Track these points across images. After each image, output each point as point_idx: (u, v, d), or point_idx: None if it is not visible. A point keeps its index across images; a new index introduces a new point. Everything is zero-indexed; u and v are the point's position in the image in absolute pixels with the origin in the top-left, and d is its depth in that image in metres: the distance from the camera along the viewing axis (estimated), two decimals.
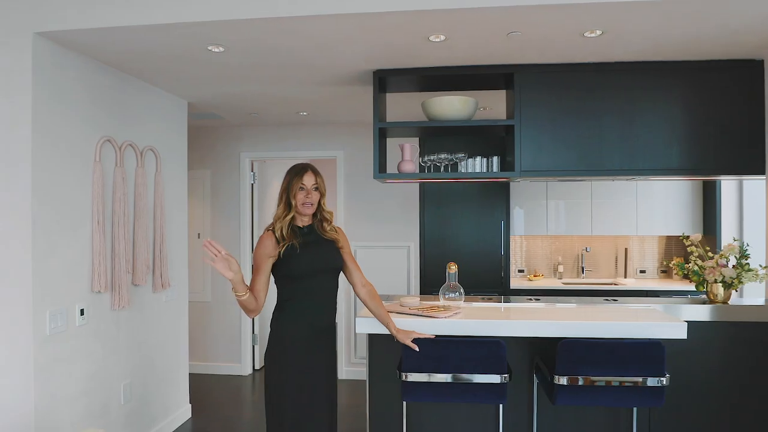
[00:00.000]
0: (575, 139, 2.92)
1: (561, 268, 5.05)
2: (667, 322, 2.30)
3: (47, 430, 2.47)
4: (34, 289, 2.41)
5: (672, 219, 4.73)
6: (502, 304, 2.81)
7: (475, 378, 2.21)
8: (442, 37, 2.50)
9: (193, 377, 4.65)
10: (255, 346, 5.04)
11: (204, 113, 4.31)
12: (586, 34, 2.45)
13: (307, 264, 2.18)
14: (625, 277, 4.96)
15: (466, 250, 4.46)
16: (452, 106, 3.01)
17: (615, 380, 2.17)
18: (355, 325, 2.51)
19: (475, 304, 2.79)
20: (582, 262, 5.04)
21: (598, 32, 2.42)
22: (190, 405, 3.89)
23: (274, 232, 2.20)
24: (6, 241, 2.41)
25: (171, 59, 2.82)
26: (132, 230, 3.13)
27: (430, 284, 4.56)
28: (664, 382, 2.16)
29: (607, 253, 5.08)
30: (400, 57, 2.80)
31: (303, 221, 2.27)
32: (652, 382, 2.15)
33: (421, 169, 3.19)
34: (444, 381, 2.23)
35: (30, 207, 2.40)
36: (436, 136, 4.04)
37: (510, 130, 3.01)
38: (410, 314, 2.45)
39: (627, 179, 3.21)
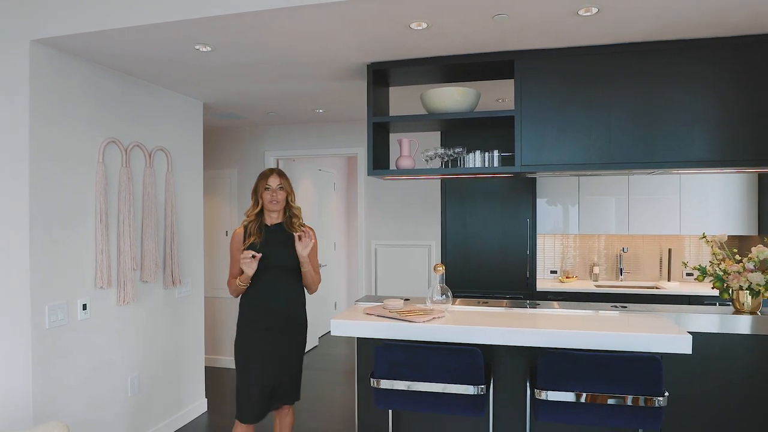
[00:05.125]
0: (583, 130, 2.67)
1: (597, 270, 4.71)
2: (668, 333, 2.04)
3: (47, 420, 2.59)
4: (33, 284, 2.52)
5: (724, 217, 4.27)
6: (493, 309, 2.62)
7: (449, 388, 2.07)
8: (424, 25, 2.36)
9: (215, 371, 4.77)
10: None
11: (224, 113, 4.39)
12: (580, 12, 2.22)
13: (263, 259, 2.47)
14: (669, 280, 4.55)
15: (489, 250, 4.26)
16: (451, 97, 2.85)
17: (605, 397, 1.95)
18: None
19: (465, 308, 2.63)
20: (620, 264, 4.67)
21: (594, 10, 2.19)
22: (206, 399, 3.98)
23: (244, 228, 2.58)
24: (7, 239, 2.54)
25: (165, 61, 2.87)
26: (140, 229, 3.22)
27: (452, 285, 4.34)
28: (662, 402, 1.91)
29: (650, 254, 4.68)
30: (392, 48, 2.68)
31: (272, 218, 2.59)
32: (646, 401, 1.91)
33: (428, 164, 3.06)
34: (417, 390, 2.11)
35: (28, 206, 2.51)
36: (450, 130, 3.88)
37: (512, 122, 2.81)
38: (388, 317, 2.34)
39: (645, 173, 2.91)
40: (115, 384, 3.05)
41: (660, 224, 4.36)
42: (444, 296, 2.47)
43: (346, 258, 7.36)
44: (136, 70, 3.05)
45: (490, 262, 4.27)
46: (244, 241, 2.54)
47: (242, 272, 2.48)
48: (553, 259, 4.89)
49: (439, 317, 2.32)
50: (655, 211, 4.36)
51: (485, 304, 2.73)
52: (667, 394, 1.92)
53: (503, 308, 2.64)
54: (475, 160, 2.85)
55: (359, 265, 4.78)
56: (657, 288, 4.40)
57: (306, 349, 5.60)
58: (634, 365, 1.93)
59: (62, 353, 2.69)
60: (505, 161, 2.89)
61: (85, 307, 2.82)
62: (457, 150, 2.87)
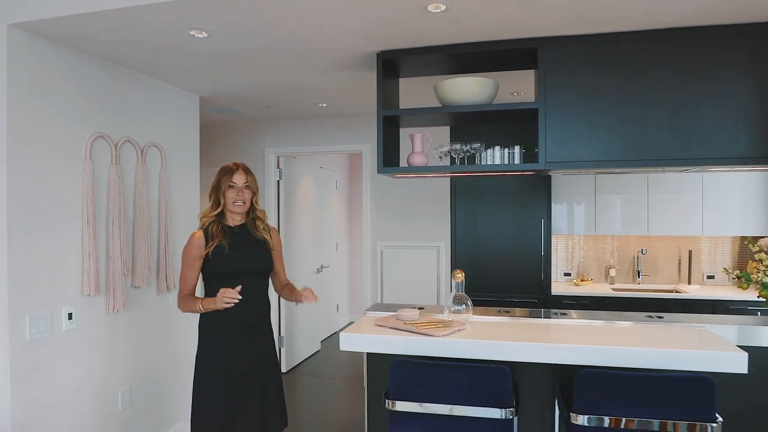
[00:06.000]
0: (613, 123, 2.45)
1: (613, 272, 4.49)
2: (721, 350, 1.82)
3: None
4: (11, 293, 2.30)
5: (749, 217, 4.05)
6: (518, 320, 2.40)
7: (473, 411, 1.85)
8: (443, 7, 2.13)
9: None
10: (281, 348, 4.87)
11: (222, 108, 4.16)
12: None
13: (234, 264, 2.23)
14: (689, 283, 4.34)
15: (501, 251, 4.05)
16: (468, 89, 2.62)
17: (649, 423, 1.73)
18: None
19: (486, 318, 2.40)
20: (637, 266, 4.46)
21: None
22: None
23: (204, 232, 2.25)
24: None
25: (157, 48, 2.64)
26: (131, 230, 3.00)
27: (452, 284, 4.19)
28: (716, 430, 1.70)
29: (668, 256, 4.47)
30: (404, 34, 2.45)
31: (235, 220, 2.33)
32: (696, 428, 1.70)
33: (440, 161, 2.84)
34: (437, 413, 1.89)
35: (6, 207, 2.28)
36: (465, 124, 3.66)
37: (536, 115, 2.59)
38: (403, 330, 2.12)
39: (679, 170, 2.68)
40: (104, 398, 2.82)
41: (681, 225, 4.14)
42: (463, 306, 2.25)
43: (348, 259, 7.14)
44: (126, 59, 2.82)
45: (502, 264, 4.06)
46: (207, 245, 2.21)
47: (198, 298, 2.22)
48: (566, 260, 4.68)
49: (459, 329, 2.11)
50: (677, 211, 4.14)
51: (507, 313, 2.50)
52: (720, 420, 1.71)
53: (528, 318, 2.42)
54: (494, 156, 2.63)
55: (364, 268, 4.56)
56: (677, 291, 4.18)
57: (307, 354, 5.42)
58: (684, 387, 1.71)
59: (45, 367, 2.46)
60: (526, 158, 2.67)
61: (70, 316, 2.60)
62: (475, 146, 2.65)
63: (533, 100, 2.58)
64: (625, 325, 2.28)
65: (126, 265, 2.91)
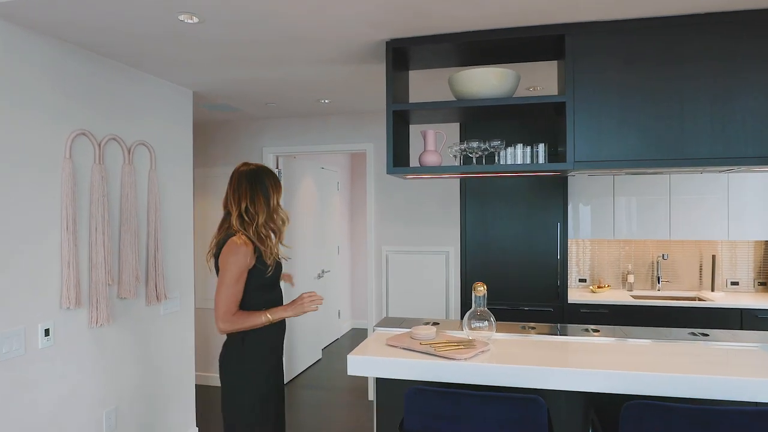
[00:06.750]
0: (649, 119, 2.21)
1: (631, 278, 4.25)
2: None
3: None
4: None
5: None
6: (546, 338, 2.15)
7: None
8: None
9: (208, 390, 4.30)
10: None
11: (217, 104, 3.91)
12: None
13: (279, 272, 2.18)
14: (713, 290, 4.10)
15: (514, 256, 3.80)
16: (486, 81, 2.38)
17: None
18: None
19: (510, 336, 2.16)
20: (657, 271, 4.22)
21: None
22: (197, 428, 3.51)
23: (252, 241, 2.07)
24: None
25: (143, 36, 2.39)
26: (117, 236, 2.75)
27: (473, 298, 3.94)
28: None
29: (689, 261, 4.23)
30: (416, 19, 2.21)
31: None
32: None
33: (455, 161, 2.60)
34: None
35: None
36: (478, 121, 3.42)
37: (561, 110, 2.35)
38: (419, 352, 1.87)
39: (722, 171, 2.44)
40: (86, 420, 2.58)
41: (706, 228, 3.90)
42: (486, 322, 2.01)
43: (350, 262, 6.90)
44: (111, 49, 2.57)
45: (515, 270, 3.81)
46: (257, 256, 2.07)
47: (258, 312, 2.07)
48: (582, 266, 4.43)
49: (483, 351, 1.86)
50: (700, 213, 3.91)
51: (533, 330, 2.26)
52: None
53: (558, 337, 2.17)
54: (515, 155, 2.38)
55: (368, 274, 4.31)
56: (700, 299, 3.95)
57: (308, 364, 5.17)
58: (754, 424, 1.47)
59: (18, 390, 2.22)
60: (549, 157, 2.43)
61: (48, 332, 2.35)
62: (495, 143, 2.40)
63: (555, 95, 2.34)
64: (669, 345, 2.04)
65: (111, 274, 2.66)
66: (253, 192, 2.10)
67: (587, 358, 1.85)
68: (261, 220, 2.10)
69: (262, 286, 2.10)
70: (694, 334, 2.17)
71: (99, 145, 2.63)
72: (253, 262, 2.05)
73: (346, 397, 4.29)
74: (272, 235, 2.17)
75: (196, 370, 3.67)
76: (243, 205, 2.09)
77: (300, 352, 4.95)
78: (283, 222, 2.19)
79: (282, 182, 4.63)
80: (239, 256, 1.99)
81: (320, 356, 5.45)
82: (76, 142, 2.51)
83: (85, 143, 2.56)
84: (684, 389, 1.60)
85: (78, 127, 2.52)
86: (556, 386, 1.68)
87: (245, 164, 2.23)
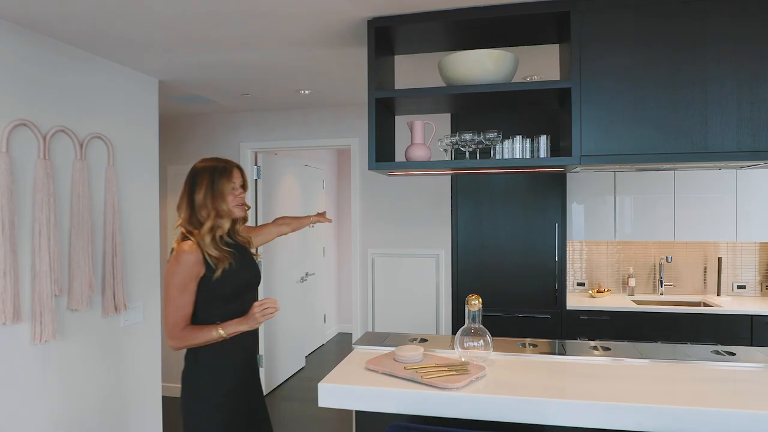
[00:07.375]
0: (667, 110, 1.95)
1: (632, 282, 4.01)
2: None
3: None
4: None
5: None
6: (551, 358, 1.88)
7: None
8: None
9: (172, 402, 3.98)
10: (260, 368, 4.33)
11: (188, 95, 3.60)
12: None
13: (241, 281, 1.90)
14: (718, 294, 3.86)
15: (510, 260, 3.54)
16: (480, 64, 2.11)
17: None
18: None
19: (508, 356, 1.89)
20: (660, 275, 3.98)
21: None
22: None
23: (201, 247, 1.81)
24: None
25: (94, 13, 2.08)
26: (66, 240, 2.44)
27: (465, 304, 3.68)
28: None
29: (693, 264, 4.00)
30: None
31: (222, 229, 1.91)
32: None
33: (447, 155, 2.32)
34: None
35: None
36: (471, 111, 3.14)
37: (566, 97, 2.08)
38: (403, 379, 1.59)
39: (747, 166, 2.19)
40: None
41: (713, 229, 3.66)
42: (481, 341, 1.73)
43: (336, 265, 6.61)
44: (57, 28, 2.26)
45: (510, 273, 3.55)
46: (206, 264, 1.80)
47: (209, 326, 1.81)
48: (581, 269, 4.19)
49: (479, 377, 1.58)
50: (706, 213, 3.67)
51: (534, 348, 1.98)
52: None
53: (564, 357, 1.90)
54: (513, 149, 2.11)
55: (353, 280, 4.02)
56: (706, 305, 3.71)
57: (290, 373, 4.88)
58: None
59: None
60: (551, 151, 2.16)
61: None
62: (490, 135, 2.13)
63: (558, 80, 2.07)
64: (693, 367, 1.77)
65: (58, 283, 2.35)
66: (192, 191, 1.86)
67: (603, 386, 1.58)
68: (208, 224, 1.83)
69: (220, 297, 1.83)
70: (718, 352, 1.91)
71: (44, 138, 2.32)
72: (203, 271, 1.79)
73: (331, 410, 4.00)
74: (210, 233, 1.85)
75: (164, 381, 3.36)
76: (188, 208, 1.86)
77: (281, 361, 4.66)
78: (222, 216, 1.85)
79: (261, 180, 4.34)
80: (181, 265, 1.77)
81: (304, 364, 5.16)
82: (15, 134, 2.20)
83: (26, 135, 2.25)
84: (714, 426, 1.33)
85: (17, 116, 2.21)
86: (567, 422, 1.41)
87: (201, 160, 1.95)
